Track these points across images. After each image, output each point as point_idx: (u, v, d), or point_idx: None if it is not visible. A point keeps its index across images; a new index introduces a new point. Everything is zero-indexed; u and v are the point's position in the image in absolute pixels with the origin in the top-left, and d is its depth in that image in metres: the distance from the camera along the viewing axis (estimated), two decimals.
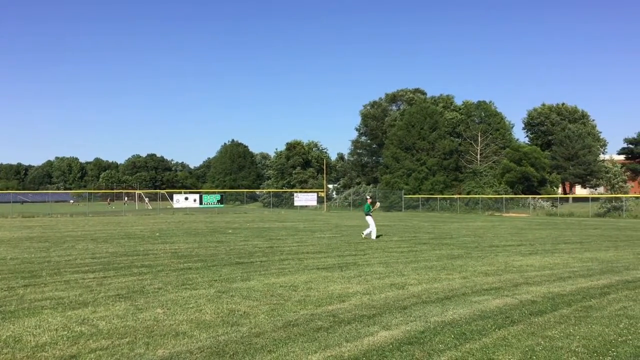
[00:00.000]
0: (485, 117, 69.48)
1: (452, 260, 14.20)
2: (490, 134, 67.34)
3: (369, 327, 7.03)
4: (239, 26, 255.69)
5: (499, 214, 52.67)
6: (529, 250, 17.29)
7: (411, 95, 78.36)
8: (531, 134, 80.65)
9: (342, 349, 6.06)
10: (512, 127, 73.29)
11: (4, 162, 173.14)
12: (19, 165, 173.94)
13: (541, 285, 10.25)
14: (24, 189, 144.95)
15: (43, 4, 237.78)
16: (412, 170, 64.86)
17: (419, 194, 63.00)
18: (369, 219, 21.43)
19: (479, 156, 67.67)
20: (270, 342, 6.33)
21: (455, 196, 60.88)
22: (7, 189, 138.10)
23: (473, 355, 5.91)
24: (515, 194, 58.27)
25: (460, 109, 74.31)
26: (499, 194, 57.86)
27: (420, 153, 65.56)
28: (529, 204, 54.33)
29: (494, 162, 65.86)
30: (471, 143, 68.57)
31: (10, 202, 67.56)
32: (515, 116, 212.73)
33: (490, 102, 71.25)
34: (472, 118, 70.21)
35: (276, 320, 7.37)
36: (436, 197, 61.39)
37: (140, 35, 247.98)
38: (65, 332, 6.71)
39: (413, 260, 14.16)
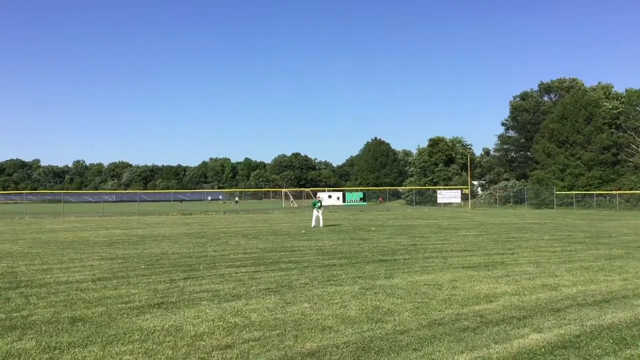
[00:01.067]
0: None
1: (611, 261, 13.25)
2: None
3: (518, 329, 6.77)
4: (385, 24, 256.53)
5: None
6: None
7: (568, 84, 73.59)
8: None
9: (490, 351, 5.89)
10: None
11: (165, 164, 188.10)
12: (179, 166, 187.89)
13: None
14: (182, 189, 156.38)
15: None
16: (566, 166, 61.13)
17: (574, 191, 59.25)
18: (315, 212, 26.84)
19: None
20: (416, 340, 6.30)
21: (614, 192, 56.46)
22: (168, 188, 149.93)
23: None
24: None
25: (622, 97, 68.42)
26: None
27: (574, 147, 61.57)
28: None
29: None
30: (632, 135, 63.15)
31: (170, 201, 73.06)
32: None
33: None
34: (634, 107, 64.49)
35: (421, 318, 7.32)
36: (592, 194, 57.35)
37: (285, 37, 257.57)
38: (221, 323, 7.15)
39: (567, 260, 13.38)
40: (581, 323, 7.01)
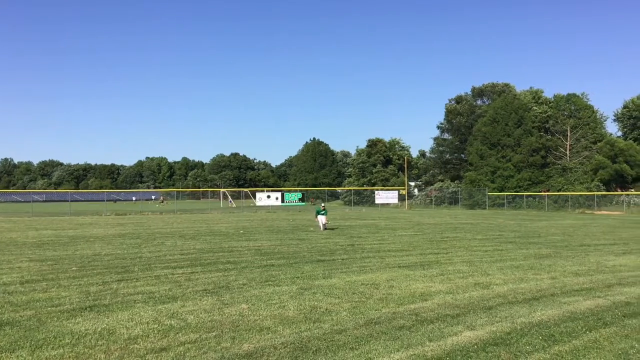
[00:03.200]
0: (575, 111, 66.50)
1: (540, 260, 13.76)
2: (580, 128, 64.39)
3: (452, 326, 6.94)
4: (322, 24, 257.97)
5: (590, 211, 50.41)
6: (622, 249, 16.47)
7: (500, 88, 75.89)
8: (624, 127, 76.24)
9: (425, 348, 6.01)
10: (605, 121, 69.73)
11: (98, 163, 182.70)
12: (112, 165, 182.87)
13: (636, 286, 9.76)
14: (116, 188, 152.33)
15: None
16: (497, 168, 63.15)
17: (505, 192, 61.26)
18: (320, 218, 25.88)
19: (568, 152, 64.88)
20: (353, 339, 6.36)
21: (543, 193, 58.72)
22: (101, 188, 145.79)
23: (562, 357, 5.72)
24: (608, 192, 55.50)
25: (550, 102, 71.17)
26: (590, 191, 55.32)
27: (505, 150, 63.67)
28: (622, 201, 51.60)
29: (584, 157, 62.93)
30: (560, 138, 65.82)
31: (104, 201, 71.06)
32: (609, 108, 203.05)
33: (582, 93, 68.03)
34: (561, 112, 67.31)
35: (358, 317, 7.40)
36: (522, 195, 59.49)
37: (222, 35, 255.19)
38: (156, 326, 7.01)
39: (498, 260, 13.82)
40: (512, 320, 7.24)
